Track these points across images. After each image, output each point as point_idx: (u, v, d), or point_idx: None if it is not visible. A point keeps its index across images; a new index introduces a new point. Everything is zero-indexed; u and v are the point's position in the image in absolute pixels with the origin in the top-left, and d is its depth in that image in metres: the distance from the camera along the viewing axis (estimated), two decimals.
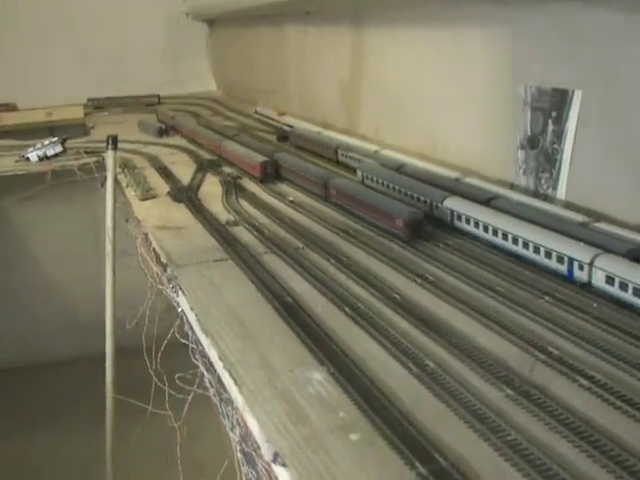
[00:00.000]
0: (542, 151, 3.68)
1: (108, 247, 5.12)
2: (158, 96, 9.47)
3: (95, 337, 5.33)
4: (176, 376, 2.75)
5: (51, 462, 6.51)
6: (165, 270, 3.15)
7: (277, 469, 1.73)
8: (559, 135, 3.56)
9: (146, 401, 3.83)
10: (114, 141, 4.85)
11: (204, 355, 2.55)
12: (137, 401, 4.26)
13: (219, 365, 2.26)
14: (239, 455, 2.16)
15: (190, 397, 2.84)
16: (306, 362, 2.18)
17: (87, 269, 7.60)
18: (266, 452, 1.79)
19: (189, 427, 3.36)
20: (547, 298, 2.60)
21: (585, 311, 2.48)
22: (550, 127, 3.62)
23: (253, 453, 2.01)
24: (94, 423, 5.46)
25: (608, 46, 3.25)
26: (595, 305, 2.54)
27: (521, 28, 3.84)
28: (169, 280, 3.03)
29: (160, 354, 3.40)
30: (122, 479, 5.51)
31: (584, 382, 2.01)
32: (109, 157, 4.87)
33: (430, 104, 4.79)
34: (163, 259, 3.22)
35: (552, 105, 3.60)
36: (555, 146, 3.59)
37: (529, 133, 3.77)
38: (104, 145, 4.79)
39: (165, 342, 3.22)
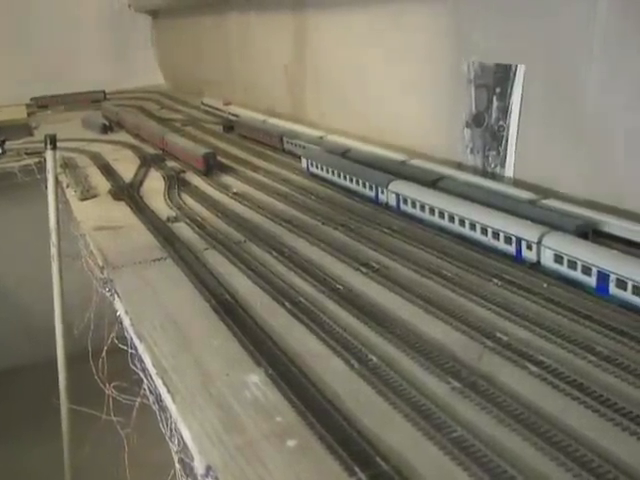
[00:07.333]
0: (488, 129, 3.59)
1: (53, 250, 4.96)
2: (103, 92, 9.26)
3: (49, 342, 5.17)
4: (111, 384, 2.62)
5: (9, 472, 6.34)
6: (102, 273, 3.01)
7: None
8: (504, 111, 3.47)
9: (102, 406, 3.71)
10: (52, 141, 4.69)
11: (142, 361, 2.42)
12: (93, 406, 4.13)
13: (153, 372, 2.14)
14: (178, 466, 2.04)
15: (137, 404, 2.72)
16: (243, 364, 2.06)
17: (38, 273, 7.39)
18: (199, 465, 1.68)
19: (148, 432, 3.24)
20: (496, 281, 2.52)
21: (535, 292, 2.40)
22: (495, 104, 3.53)
23: (191, 464, 1.90)
24: (51, 430, 5.32)
25: (548, 18, 3.17)
26: (545, 285, 2.46)
27: (461, 4, 3.75)
28: (105, 283, 2.89)
29: (111, 359, 3.27)
30: None
31: (533, 369, 1.92)
32: (49, 157, 4.72)
33: (374, 86, 4.69)
34: (99, 261, 3.08)
35: (496, 81, 3.51)
36: (501, 123, 3.50)
37: (474, 111, 3.68)
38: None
39: (105, 348, 3.08)
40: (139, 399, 2.66)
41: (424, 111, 4.16)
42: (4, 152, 6.08)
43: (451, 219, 2.96)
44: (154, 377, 2.13)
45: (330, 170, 3.92)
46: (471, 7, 3.67)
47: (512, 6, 3.37)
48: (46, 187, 4.94)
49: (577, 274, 2.38)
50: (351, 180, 3.71)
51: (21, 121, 8.09)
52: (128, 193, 4.16)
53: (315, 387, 1.89)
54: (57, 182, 4.76)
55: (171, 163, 4.92)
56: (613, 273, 2.24)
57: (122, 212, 3.83)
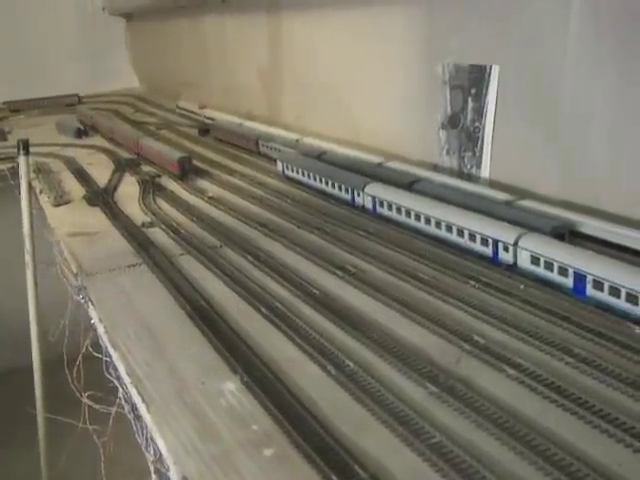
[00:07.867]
0: (463, 130, 3.58)
1: (27, 257, 4.90)
2: (78, 96, 9.17)
3: (26, 349, 5.10)
4: (87, 393, 2.58)
5: None
6: (76, 280, 2.97)
7: None
8: (479, 112, 3.47)
9: (78, 414, 3.66)
10: (25, 146, 4.64)
11: (116, 369, 2.39)
12: (70, 414, 4.08)
13: (127, 380, 2.11)
14: (154, 476, 2.00)
15: (113, 412, 2.68)
16: (219, 372, 2.03)
17: (15, 279, 7.29)
18: (174, 476, 1.65)
19: (125, 441, 3.20)
20: (473, 283, 2.51)
21: (512, 294, 2.39)
22: (470, 105, 3.53)
23: (167, 474, 1.87)
24: (27, 439, 5.26)
25: (522, 19, 3.17)
26: (522, 287, 2.45)
27: (436, 6, 3.74)
28: (79, 290, 2.86)
29: (87, 366, 3.22)
30: None
31: (511, 372, 1.91)
32: (21, 163, 4.66)
33: (350, 88, 4.67)
34: (73, 268, 3.04)
35: (470, 82, 3.51)
36: (476, 124, 3.49)
37: (450, 112, 3.67)
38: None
39: (81, 355, 3.04)
40: (115, 408, 2.62)
41: (400, 113, 4.15)
42: None
43: (427, 221, 2.95)
44: (128, 386, 2.10)
45: (306, 173, 3.90)
46: (445, 9, 3.66)
47: (486, 7, 3.37)
48: (19, 193, 4.88)
49: (554, 275, 2.37)
50: (327, 183, 3.69)
51: None
52: (102, 198, 4.11)
53: (291, 394, 1.87)
54: (30, 188, 4.71)
55: (146, 167, 4.87)
56: (590, 274, 2.24)
57: (96, 218, 3.79)
